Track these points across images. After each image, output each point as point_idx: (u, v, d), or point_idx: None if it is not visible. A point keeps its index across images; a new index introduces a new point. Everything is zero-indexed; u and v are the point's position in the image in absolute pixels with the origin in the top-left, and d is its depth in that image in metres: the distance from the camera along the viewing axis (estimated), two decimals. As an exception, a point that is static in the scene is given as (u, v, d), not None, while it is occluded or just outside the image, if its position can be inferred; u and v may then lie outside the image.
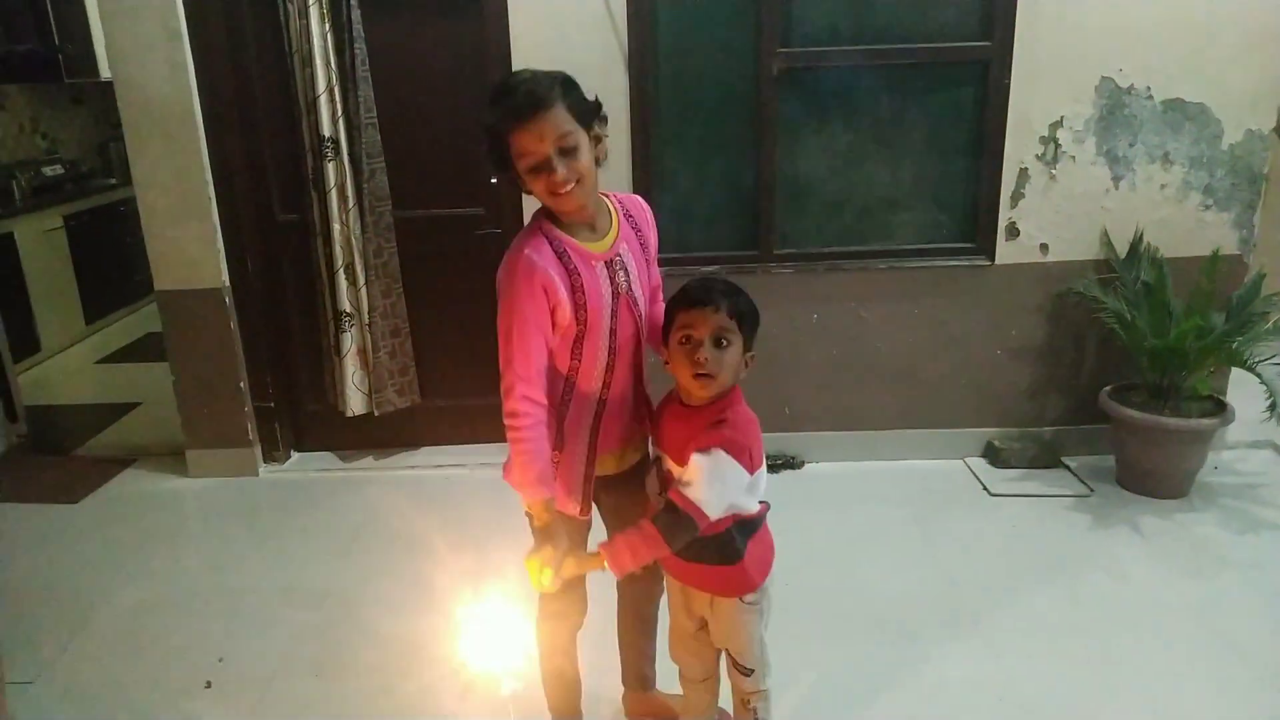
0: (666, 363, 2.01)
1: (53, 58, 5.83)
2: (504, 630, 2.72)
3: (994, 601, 2.86)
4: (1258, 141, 3.45)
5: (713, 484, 1.72)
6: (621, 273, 1.85)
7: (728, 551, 1.86)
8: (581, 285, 1.77)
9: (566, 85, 1.70)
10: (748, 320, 1.80)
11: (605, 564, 1.78)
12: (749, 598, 1.93)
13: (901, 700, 2.44)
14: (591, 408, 1.89)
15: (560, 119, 1.66)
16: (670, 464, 1.85)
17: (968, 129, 3.54)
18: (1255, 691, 2.44)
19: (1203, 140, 3.46)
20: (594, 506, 2.00)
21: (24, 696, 2.48)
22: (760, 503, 1.88)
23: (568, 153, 1.68)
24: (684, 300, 1.80)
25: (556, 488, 1.88)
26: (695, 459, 1.73)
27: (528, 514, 1.87)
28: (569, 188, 1.70)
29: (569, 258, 1.77)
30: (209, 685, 2.58)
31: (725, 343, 1.77)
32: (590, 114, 1.73)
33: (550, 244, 1.76)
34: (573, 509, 1.93)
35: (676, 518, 1.73)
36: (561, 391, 1.86)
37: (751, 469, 1.77)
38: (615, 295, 1.83)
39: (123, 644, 2.79)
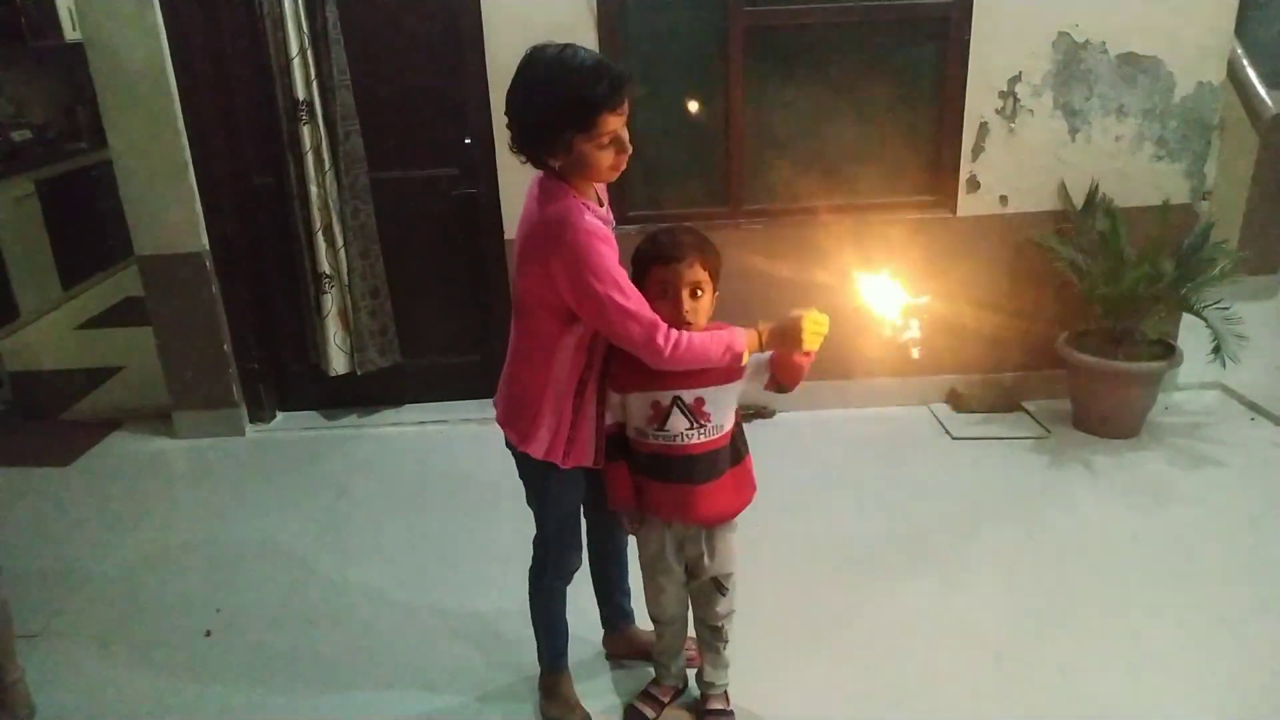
0: None
1: (14, 20, 5.76)
2: (492, 579, 2.86)
3: (954, 538, 3.02)
4: (1209, 93, 3.57)
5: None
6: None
7: (740, 450, 2.09)
8: (612, 244, 1.88)
9: None
10: (717, 269, 1.98)
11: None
12: (735, 518, 2.11)
13: (865, 632, 2.60)
14: (601, 366, 2.00)
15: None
16: (700, 391, 1.97)
17: (930, 84, 3.63)
18: (1195, 614, 2.61)
19: (1156, 93, 3.57)
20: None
21: (32, 648, 2.59)
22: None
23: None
24: (658, 256, 1.93)
25: (586, 446, 2.02)
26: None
27: (763, 351, 1.96)
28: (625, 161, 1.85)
29: (597, 216, 1.88)
30: (209, 634, 2.70)
31: (700, 292, 1.94)
32: None
33: (587, 207, 1.86)
34: (588, 460, 2.04)
35: None
36: (587, 356, 1.96)
37: None
38: None
39: (122, 597, 2.91)
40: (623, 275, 1.81)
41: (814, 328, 1.88)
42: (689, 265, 1.91)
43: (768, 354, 1.98)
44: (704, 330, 1.93)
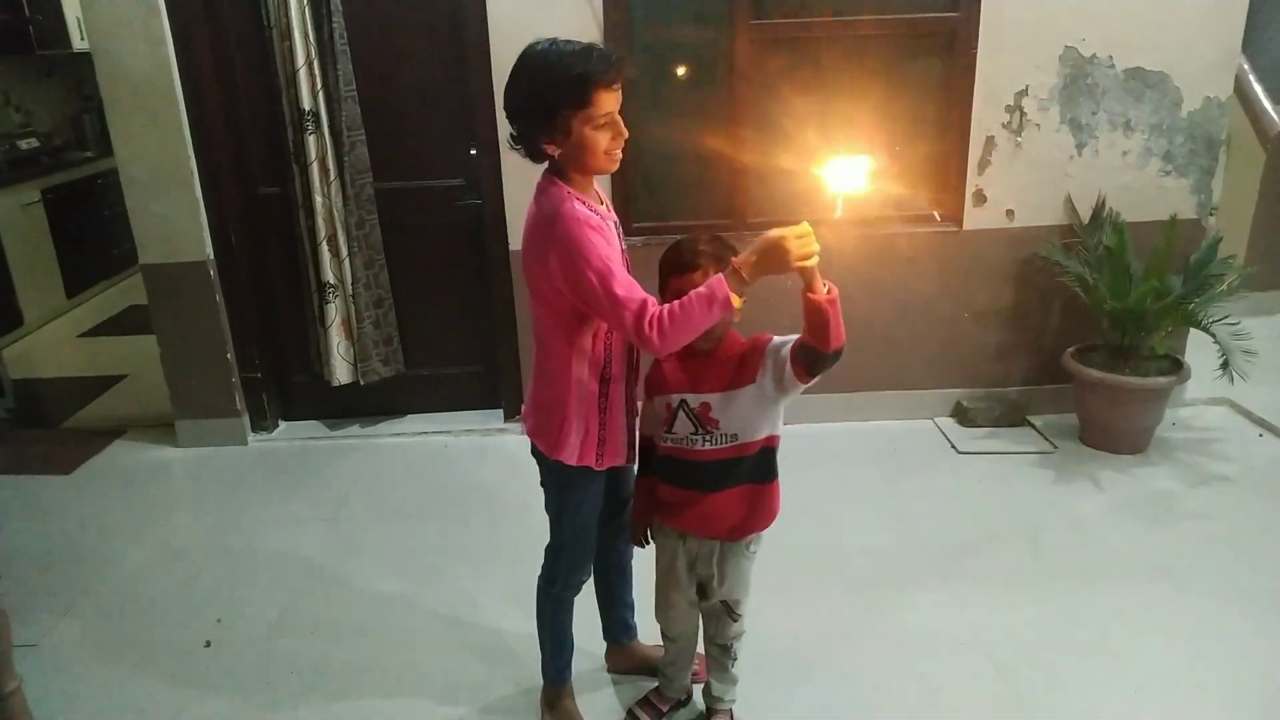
0: None
1: (23, 29, 5.79)
2: (493, 590, 2.85)
3: (960, 554, 3.00)
4: (1215, 109, 3.57)
5: None
6: (617, 235, 1.95)
7: (767, 469, 2.02)
8: (605, 233, 1.86)
9: None
10: None
11: (829, 289, 1.73)
12: (751, 547, 2.07)
13: (869, 646, 2.58)
14: (625, 366, 2.00)
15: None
16: (705, 397, 1.96)
17: (936, 98, 3.63)
18: (1202, 631, 2.59)
19: (1163, 108, 3.56)
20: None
21: (30, 659, 2.57)
22: None
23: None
24: (675, 266, 1.93)
25: (618, 446, 2.03)
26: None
27: (743, 283, 1.73)
28: (620, 148, 1.85)
29: (594, 212, 1.87)
30: (209, 644, 2.68)
31: None
32: None
33: (580, 200, 1.86)
34: (622, 459, 2.05)
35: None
36: (603, 357, 1.94)
37: None
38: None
39: (123, 607, 2.89)
40: (615, 262, 1.79)
41: (798, 241, 1.67)
42: (703, 274, 1.86)
43: (781, 342, 1.92)
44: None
